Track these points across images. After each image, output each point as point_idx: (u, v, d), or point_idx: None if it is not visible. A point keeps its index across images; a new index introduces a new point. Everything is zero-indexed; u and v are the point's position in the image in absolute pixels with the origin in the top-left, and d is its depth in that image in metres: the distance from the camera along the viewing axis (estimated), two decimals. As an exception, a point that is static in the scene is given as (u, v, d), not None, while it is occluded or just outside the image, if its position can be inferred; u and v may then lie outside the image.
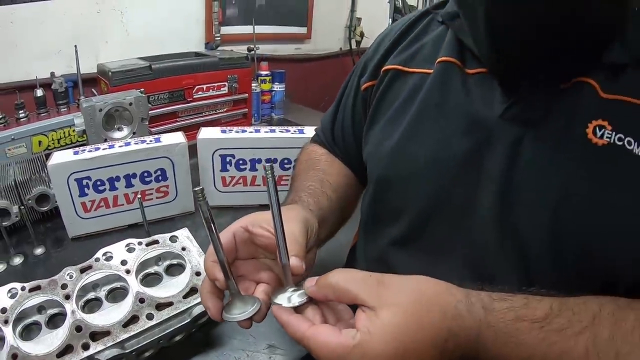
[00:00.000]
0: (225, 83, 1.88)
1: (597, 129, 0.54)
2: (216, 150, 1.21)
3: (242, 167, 1.24)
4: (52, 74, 1.77)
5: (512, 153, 0.59)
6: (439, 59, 0.69)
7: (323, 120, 0.96)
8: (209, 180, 1.26)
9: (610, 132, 0.53)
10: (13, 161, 1.29)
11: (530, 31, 0.54)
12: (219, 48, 2.23)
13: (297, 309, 0.52)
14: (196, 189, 0.51)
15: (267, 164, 0.52)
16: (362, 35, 3.14)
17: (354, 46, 3.17)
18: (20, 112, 1.50)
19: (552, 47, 0.55)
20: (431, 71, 0.70)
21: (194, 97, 1.80)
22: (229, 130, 1.24)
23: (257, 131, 1.25)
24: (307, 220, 0.65)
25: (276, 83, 2.22)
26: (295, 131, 1.25)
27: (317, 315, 0.51)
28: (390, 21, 2.89)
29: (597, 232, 0.53)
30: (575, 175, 0.54)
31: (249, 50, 2.28)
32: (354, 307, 0.50)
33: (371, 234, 0.79)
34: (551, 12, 0.51)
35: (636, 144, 0.52)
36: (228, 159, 1.23)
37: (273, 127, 1.28)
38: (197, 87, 1.79)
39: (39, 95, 1.53)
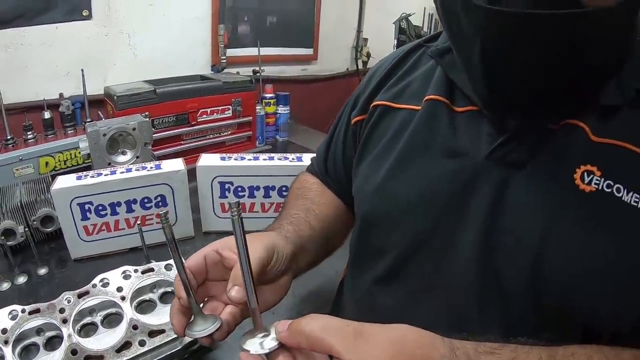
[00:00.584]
0: (230, 106, 1.94)
1: (586, 174, 0.53)
2: (215, 177, 1.26)
3: (240, 194, 1.29)
4: (61, 95, 1.85)
5: (496, 195, 0.58)
6: (427, 97, 0.69)
7: (317, 150, 0.98)
8: (209, 205, 1.30)
9: (599, 178, 0.53)
10: (20, 181, 1.35)
11: (523, 74, 0.54)
12: (225, 70, 2.29)
13: (268, 355, 0.49)
14: (161, 212, 0.54)
15: (234, 203, 0.49)
16: (368, 55, 3.20)
17: (360, 66, 3.23)
18: (28, 133, 1.57)
19: (545, 89, 0.55)
20: (419, 108, 0.70)
21: (199, 120, 1.86)
22: (228, 157, 1.29)
23: (256, 159, 1.29)
24: (275, 246, 0.65)
25: (280, 106, 2.27)
26: (293, 159, 1.29)
27: None
28: (396, 42, 2.95)
29: (579, 281, 0.52)
30: (560, 221, 0.54)
31: (255, 72, 2.34)
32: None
33: (357, 269, 0.79)
34: (544, 58, 0.51)
35: (626, 191, 0.51)
36: (227, 185, 1.27)
37: (272, 155, 1.33)
38: (201, 110, 1.85)
39: (46, 117, 1.60)
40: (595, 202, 0.52)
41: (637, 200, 0.50)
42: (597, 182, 0.53)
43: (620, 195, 0.51)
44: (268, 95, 2.22)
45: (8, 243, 1.15)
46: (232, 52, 2.36)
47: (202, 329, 0.56)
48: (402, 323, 0.47)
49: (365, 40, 3.22)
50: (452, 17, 0.56)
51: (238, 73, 2.34)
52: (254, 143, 2.13)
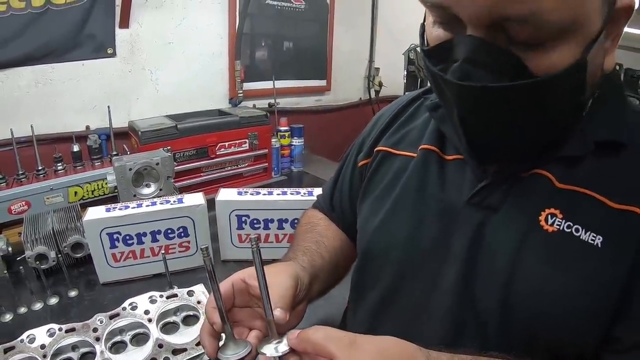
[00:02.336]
0: (247, 140, 2.10)
1: (549, 216, 0.63)
2: (233, 211, 1.40)
3: (256, 225, 1.43)
4: (87, 127, 2.03)
5: (475, 235, 0.68)
6: (421, 146, 0.80)
7: (324, 188, 1.10)
8: (227, 236, 1.44)
9: (561, 220, 0.62)
10: (51, 209, 1.51)
11: (493, 132, 0.63)
12: (242, 103, 2.46)
13: (281, 358, 0.60)
14: (202, 246, 0.62)
15: (253, 237, 0.60)
16: (380, 84, 3.35)
17: (373, 95, 3.38)
18: (58, 164, 1.73)
19: (513, 145, 0.65)
20: (415, 155, 0.81)
21: (217, 153, 2.02)
22: (245, 192, 1.43)
23: (270, 193, 1.44)
24: (298, 275, 0.74)
25: (295, 138, 2.42)
26: (305, 193, 1.43)
27: None
28: (405, 72, 3.10)
29: (542, 310, 0.61)
30: (526, 258, 0.63)
31: (270, 105, 2.50)
32: None
33: (358, 298, 0.89)
34: (508, 120, 0.60)
35: (584, 230, 0.60)
36: (243, 218, 1.41)
37: (285, 189, 1.46)
38: (220, 144, 2.02)
39: (75, 150, 1.77)
40: (557, 241, 0.62)
41: (594, 238, 0.60)
42: (559, 223, 0.62)
43: (578, 234, 0.61)
44: (283, 128, 2.38)
45: (41, 267, 1.30)
46: (248, 85, 2.53)
47: (235, 353, 0.64)
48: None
49: (377, 69, 3.37)
50: (436, 82, 0.65)
51: (254, 106, 2.52)
52: (270, 174, 2.29)
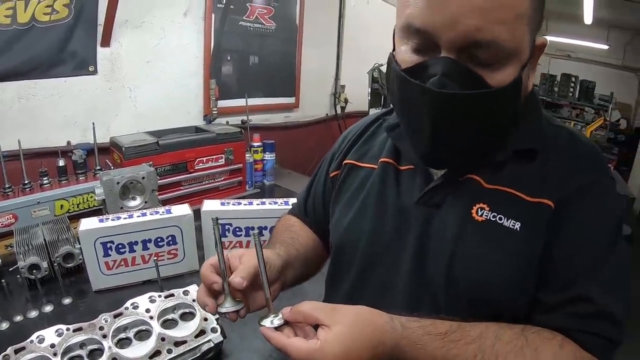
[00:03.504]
0: (223, 155, 2.23)
1: (479, 210, 0.81)
2: (217, 220, 1.52)
3: (238, 233, 1.57)
4: (69, 142, 2.11)
5: (424, 227, 0.85)
6: (381, 159, 0.97)
7: (298, 197, 1.24)
8: (211, 244, 1.55)
9: (488, 212, 0.80)
10: (40, 222, 1.60)
11: (454, 132, 0.77)
12: (216, 120, 2.59)
13: (278, 329, 0.73)
14: (213, 217, 0.82)
15: (256, 231, 0.78)
16: (346, 101, 3.57)
17: (339, 111, 3.58)
18: (44, 178, 1.82)
19: (462, 150, 0.80)
20: (376, 167, 0.97)
21: (196, 168, 2.15)
22: (227, 202, 1.57)
23: (250, 203, 1.57)
24: (268, 258, 0.86)
25: (267, 153, 2.57)
26: (282, 203, 1.57)
27: (291, 332, 0.73)
28: (370, 89, 3.30)
29: (477, 279, 0.78)
30: (463, 242, 0.80)
31: (243, 122, 2.65)
32: (316, 328, 0.72)
33: (333, 286, 1.03)
34: (467, 125, 0.76)
35: (506, 219, 0.78)
36: (227, 227, 1.55)
37: (263, 200, 1.61)
38: (198, 159, 2.15)
39: (60, 165, 1.87)
40: (485, 228, 0.80)
41: (514, 224, 0.77)
42: (487, 214, 0.80)
43: (502, 222, 0.78)
44: (256, 144, 2.53)
45: (35, 276, 1.40)
46: (222, 103, 2.66)
47: (233, 306, 0.79)
48: None
49: (343, 87, 3.57)
50: (407, 102, 0.80)
51: (227, 122, 2.65)
52: (244, 187, 2.43)
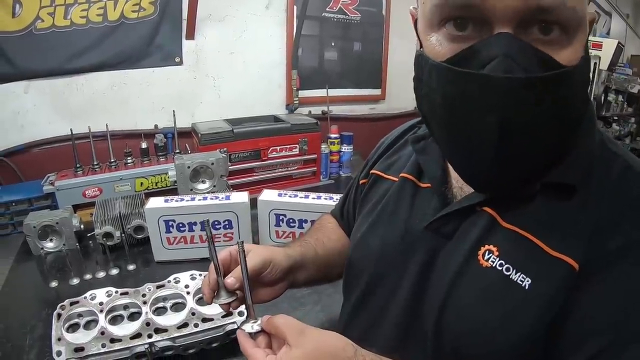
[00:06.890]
0: (297, 145, 2.34)
1: (487, 252, 0.68)
2: (272, 210, 1.64)
3: (291, 224, 1.66)
4: (156, 126, 2.34)
5: (429, 258, 0.76)
6: (402, 173, 0.88)
7: (339, 199, 1.20)
8: (266, 231, 1.68)
9: (495, 258, 0.66)
10: (120, 196, 1.80)
11: (528, 132, 0.60)
12: (298, 110, 2.71)
13: (256, 334, 0.74)
14: (205, 220, 0.87)
15: (241, 241, 0.81)
16: (434, 94, 3.46)
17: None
18: (128, 158, 2.03)
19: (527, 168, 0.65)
20: (397, 180, 0.89)
21: (269, 156, 2.28)
22: (284, 194, 1.67)
23: (307, 197, 1.66)
24: (272, 260, 0.87)
25: (344, 145, 2.63)
26: (336, 199, 1.60)
27: (264, 341, 0.73)
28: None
29: (464, 335, 0.68)
30: (459, 286, 0.70)
31: (323, 113, 2.74)
32: None
33: (345, 299, 1.00)
34: (540, 120, 0.59)
35: (514, 271, 0.64)
36: (281, 217, 1.65)
37: (320, 194, 1.68)
38: (271, 148, 2.28)
39: (143, 147, 2.07)
40: (489, 276, 0.67)
41: (523, 279, 0.63)
42: (494, 260, 0.67)
43: (509, 274, 0.65)
44: (333, 136, 2.60)
45: (107, 243, 1.61)
46: (303, 93, 2.76)
47: (225, 298, 0.82)
48: (364, 346, 0.69)
49: (431, 80, 3.47)
50: (452, 104, 0.62)
51: (310, 112, 2.76)
52: (319, 177, 2.52)
